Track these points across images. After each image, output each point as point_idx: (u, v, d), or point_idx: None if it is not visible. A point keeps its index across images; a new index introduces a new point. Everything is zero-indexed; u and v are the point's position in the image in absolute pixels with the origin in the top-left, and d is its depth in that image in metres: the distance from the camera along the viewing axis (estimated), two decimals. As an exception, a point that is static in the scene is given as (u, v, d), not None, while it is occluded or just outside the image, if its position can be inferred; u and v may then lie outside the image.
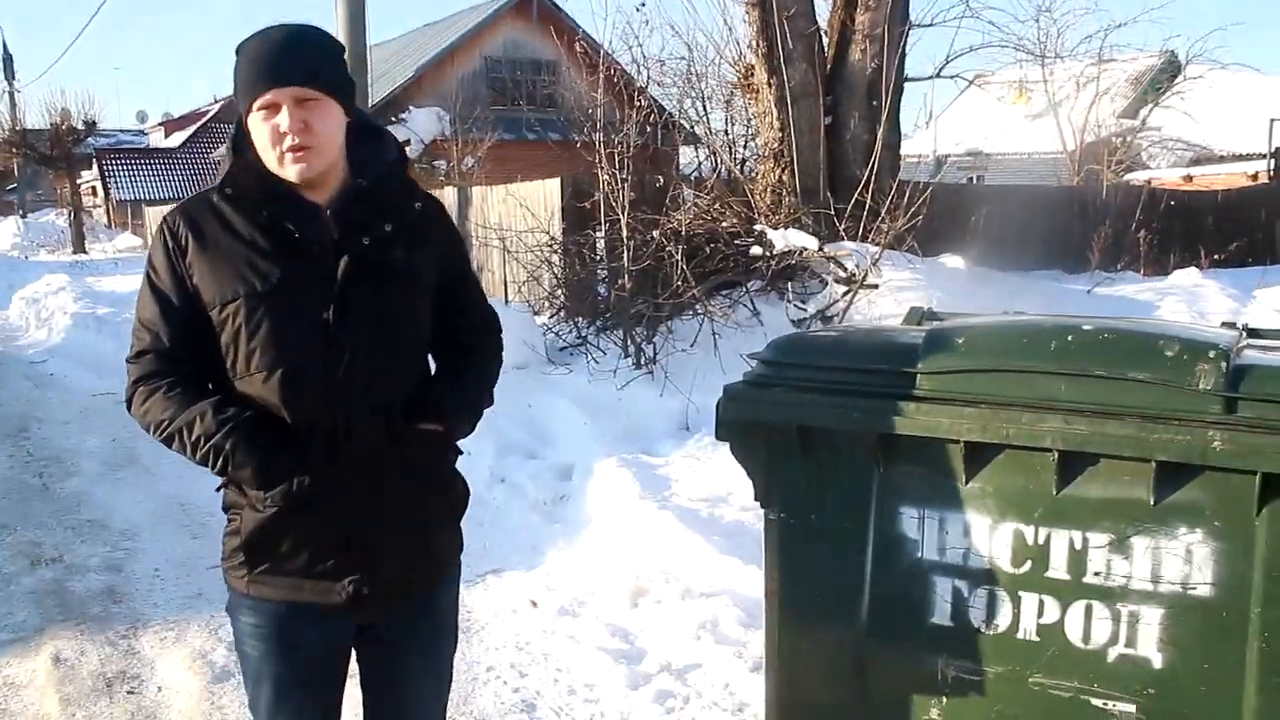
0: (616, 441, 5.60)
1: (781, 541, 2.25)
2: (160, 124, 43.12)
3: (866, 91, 8.81)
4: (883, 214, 7.53)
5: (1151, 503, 1.90)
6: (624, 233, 7.22)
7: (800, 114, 8.51)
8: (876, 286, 7.23)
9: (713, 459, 5.02)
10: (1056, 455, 1.94)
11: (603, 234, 7.73)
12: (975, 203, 10.63)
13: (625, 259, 7.23)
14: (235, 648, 1.94)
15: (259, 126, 1.74)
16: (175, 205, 1.86)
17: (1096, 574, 1.95)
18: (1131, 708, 1.94)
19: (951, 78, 10.24)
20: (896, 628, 2.14)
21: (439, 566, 1.99)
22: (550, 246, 8.44)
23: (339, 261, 1.77)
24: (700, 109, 9.64)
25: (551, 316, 8.15)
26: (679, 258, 7.08)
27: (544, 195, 8.89)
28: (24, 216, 34.29)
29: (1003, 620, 2.04)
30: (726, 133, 9.67)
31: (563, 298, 8.26)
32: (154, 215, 26.57)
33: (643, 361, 6.77)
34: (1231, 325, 2.37)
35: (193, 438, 1.73)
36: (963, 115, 24.15)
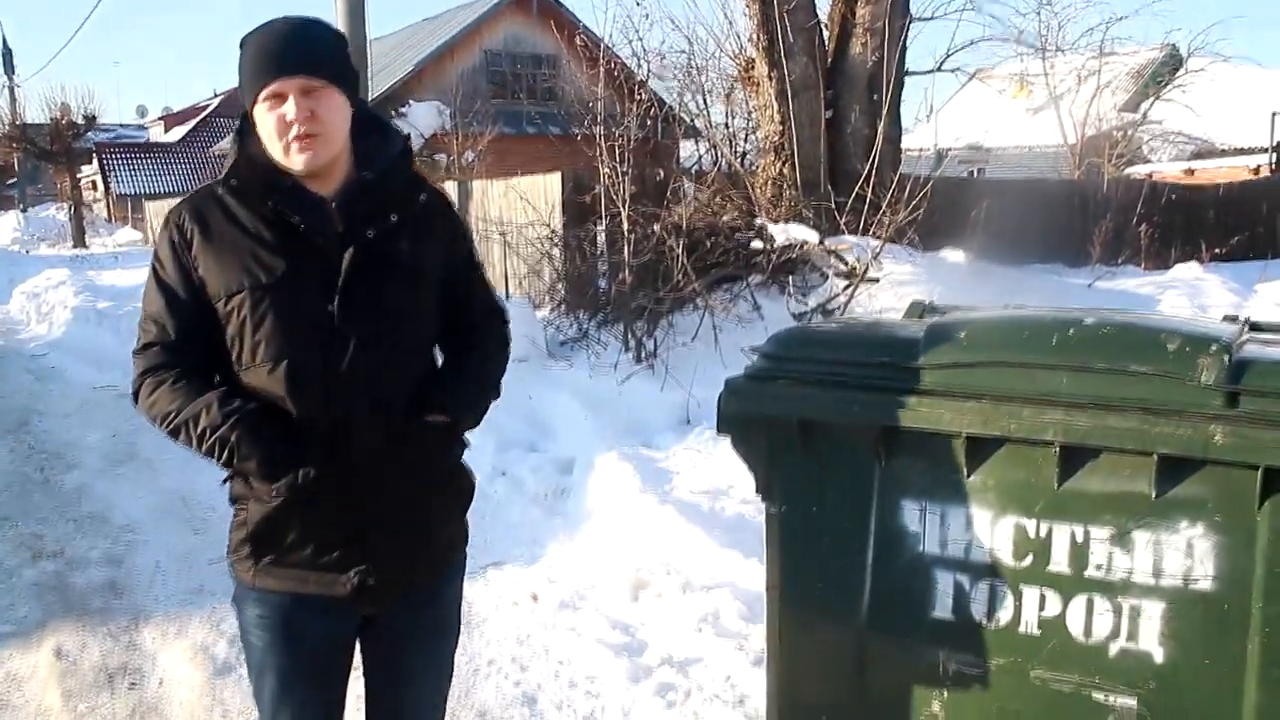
0: (617, 435, 5.60)
1: (782, 535, 2.25)
2: (160, 118, 43.15)
3: (867, 85, 8.80)
4: (883, 208, 7.52)
5: (1153, 496, 1.89)
6: (624, 226, 7.22)
7: (801, 107, 8.49)
8: (877, 280, 7.23)
9: (714, 452, 5.02)
10: (1058, 449, 1.94)
11: (603, 228, 7.72)
12: (976, 196, 10.60)
13: (626, 253, 7.23)
14: (241, 638, 1.94)
15: (265, 117, 1.74)
16: (181, 199, 1.86)
17: (1098, 568, 1.95)
18: (1133, 701, 1.94)
19: (952, 71, 10.27)
20: (898, 621, 2.14)
21: (444, 558, 2.00)
22: (551, 240, 8.44)
23: (344, 254, 1.77)
24: (701, 103, 9.65)
25: (552, 310, 8.14)
26: (679, 251, 7.08)
27: (544, 189, 8.88)
28: (24, 211, 34.32)
29: (1004, 614, 2.04)
30: (727, 126, 9.66)
31: (563, 292, 8.25)
32: (154, 209, 26.57)
33: (643, 355, 6.78)
34: (1233, 319, 2.36)
35: (198, 429, 1.74)
36: (964, 109, 24.16)
